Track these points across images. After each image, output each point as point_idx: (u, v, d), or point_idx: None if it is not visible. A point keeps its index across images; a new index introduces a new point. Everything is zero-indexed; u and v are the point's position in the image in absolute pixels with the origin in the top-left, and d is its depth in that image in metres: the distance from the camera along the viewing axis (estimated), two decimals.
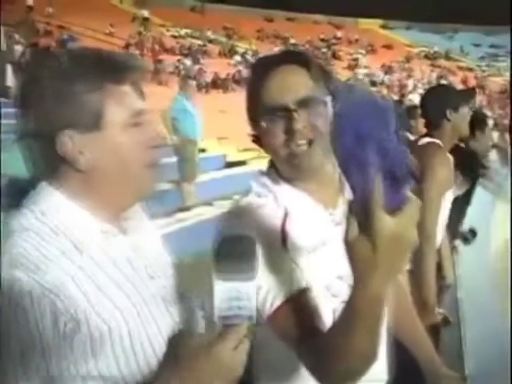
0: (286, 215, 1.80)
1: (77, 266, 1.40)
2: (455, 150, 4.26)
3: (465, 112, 4.18)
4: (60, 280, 1.35)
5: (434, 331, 3.82)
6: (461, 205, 4.89)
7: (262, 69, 1.86)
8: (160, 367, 1.48)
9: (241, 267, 1.35)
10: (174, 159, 10.36)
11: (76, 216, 1.47)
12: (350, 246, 1.31)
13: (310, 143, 1.79)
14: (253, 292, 1.36)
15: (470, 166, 4.79)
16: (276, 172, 1.90)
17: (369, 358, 1.53)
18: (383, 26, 61.84)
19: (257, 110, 1.84)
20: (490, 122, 8.17)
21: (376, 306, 1.38)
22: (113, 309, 1.42)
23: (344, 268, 1.78)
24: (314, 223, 1.83)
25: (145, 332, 1.48)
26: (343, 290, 1.77)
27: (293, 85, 1.81)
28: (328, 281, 1.82)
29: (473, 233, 5.75)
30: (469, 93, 4.48)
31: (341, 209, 1.88)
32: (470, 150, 5.30)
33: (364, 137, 1.23)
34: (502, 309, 5.50)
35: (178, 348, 1.43)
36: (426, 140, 4.15)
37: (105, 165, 1.48)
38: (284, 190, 1.87)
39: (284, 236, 1.75)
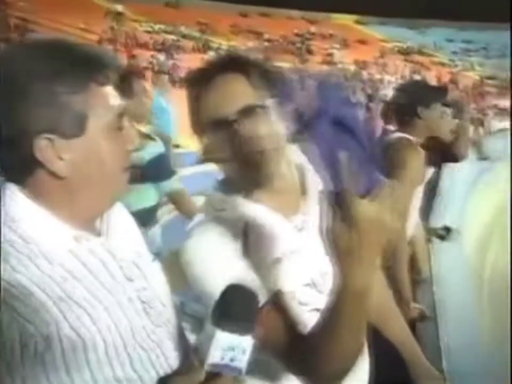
0: (244, 228, 1.76)
1: (47, 276, 1.34)
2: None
3: (437, 110, 4.19)
4: (29, 292, 1.29)
5: (410, 326, 3.82)
6: (427, 195, 4.90)
7: (199, 80, 1.78)
8: None
9: (241, 320, 1.35)
10: None
11: (47, 223, 1.40)
12: (329, 238, 1.30)
13: (258, 153, 1.71)
14: (249, 345, 1.35)
15: (434, 150, 4.79)
16: (230, 183, 1.84)
17: (357, 353, 1.55)
18: (357, 22, 61.99)
19: (199, 125, 1.77)
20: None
21: (363, 299, 1.39)
22: (86, 319, 1.36)
23: (313, 275, 1.77)
24: (275, 234, 1.77)
25: (121, 339, 1.43)
26: (312, 298, 1.77)
27: (231, 95, 1.73)
28: (296, 290, 1.77)
29: (447, 230, 5.77)
30: (441, 90, 4.49)
31: (303, 213, 1.84)
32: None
33: (333, 119, 1.21)
34: (478, 305, 5.53)
35: None
36: (397, 134, 4.17)
37: (85, 171, 1.41)
38: (239, 203, 1.81)
39: (245, 249, 1.72)
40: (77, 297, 1.37)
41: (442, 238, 5.78)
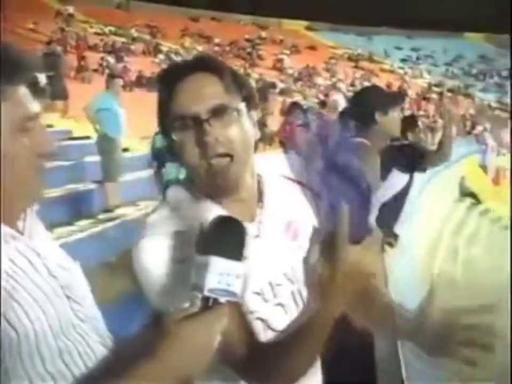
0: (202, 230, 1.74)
1: None
2: (391, 148, 4.29)
3: (394, 115, 4.21)
4: None
5: (368, 341, 3.84)
6: (395, 205, 4.92)
7: (172, 77, 1.79)
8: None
9: (233, 246, 1.42)
10: (97, 158, 10.26)
11: None
12: (311, 272, 1.45)
13: (227, 156, 1.72)
14: (241, 271, 1.41)
15: (407, 159, 4.81)
16: (192, 184, 1.84)
17: (314, 364, 1.71)
18: (307, 28, 62.34)
19: (168, 122, 1.77)
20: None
21: (328, 327, 1.50)
22: (21, 312, 1.40)
23: (262, 284, 1.81)
24: None
25: (50, 329, 1.46)
26: (259, 307, 1.80)
27: (204, 93, 1.74)
28: (245, 296, 1.78)
29: (395, 236, 5.80)
30: (398, 96, 4.52)
31: (259, 221, 1.85)
32: (406, 144, 5.32)
33: (339, 169, 1.31)
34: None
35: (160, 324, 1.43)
36: (354, 139, 4.17)
37: None
38: (200, 205, 1.81)
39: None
40: (16, 295, 1.40)
41: (391, 245, 5.81)
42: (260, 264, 1.73)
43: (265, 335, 1.77)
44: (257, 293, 1.79)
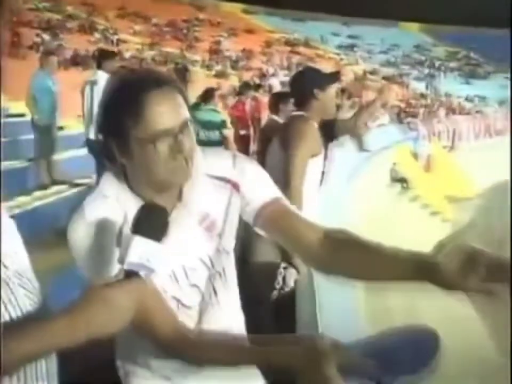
0: (124, 220, 1.89)
1: None
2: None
3: (331, 93, 4.48)
4: None
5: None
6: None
7: (137, 90, 1.86)
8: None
9: (154, 229, 1.63)
10: (32, 136, 10.21)
11: None
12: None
13: (186, 162, 1.87)
14: (161, 251, 1.62)
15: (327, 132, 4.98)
16: (124, 175, 1.96)
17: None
18: (245, 11, 62.06)
19: (133, 132, 1.86)
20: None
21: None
22: None
23: (175, 268, 2.01)
24: None
25: None
26: (171, 288, 2.00)
27: (174, 107, 1.87)
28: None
29: None
30: (334, 75, 4.76)
31: (176, 212, 1.99)
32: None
33: None
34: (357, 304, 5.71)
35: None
36: (294, 113, 4.44)
37: None
38: (127, 195, 1.95)
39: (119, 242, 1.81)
40: None
41: None
42: (172, 250, 1.84)
43: (179, 313, 1.95)
44: (170, 275, 1.97)
